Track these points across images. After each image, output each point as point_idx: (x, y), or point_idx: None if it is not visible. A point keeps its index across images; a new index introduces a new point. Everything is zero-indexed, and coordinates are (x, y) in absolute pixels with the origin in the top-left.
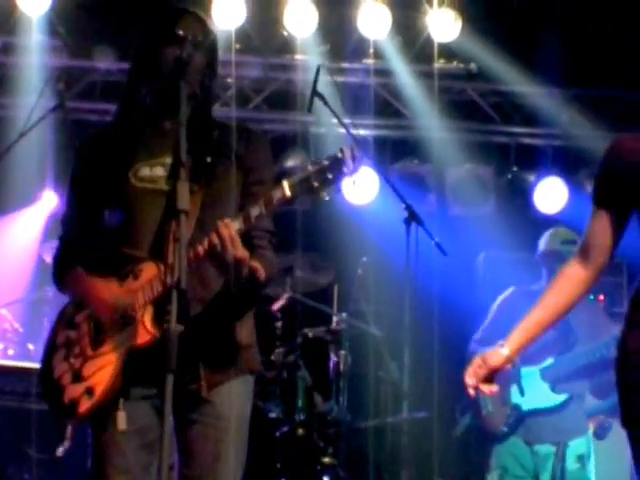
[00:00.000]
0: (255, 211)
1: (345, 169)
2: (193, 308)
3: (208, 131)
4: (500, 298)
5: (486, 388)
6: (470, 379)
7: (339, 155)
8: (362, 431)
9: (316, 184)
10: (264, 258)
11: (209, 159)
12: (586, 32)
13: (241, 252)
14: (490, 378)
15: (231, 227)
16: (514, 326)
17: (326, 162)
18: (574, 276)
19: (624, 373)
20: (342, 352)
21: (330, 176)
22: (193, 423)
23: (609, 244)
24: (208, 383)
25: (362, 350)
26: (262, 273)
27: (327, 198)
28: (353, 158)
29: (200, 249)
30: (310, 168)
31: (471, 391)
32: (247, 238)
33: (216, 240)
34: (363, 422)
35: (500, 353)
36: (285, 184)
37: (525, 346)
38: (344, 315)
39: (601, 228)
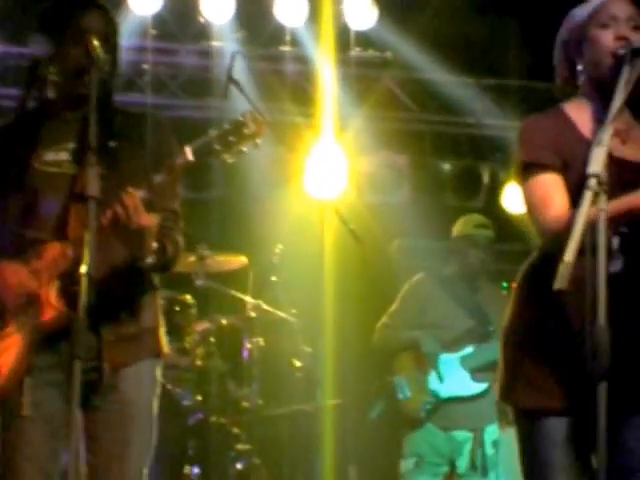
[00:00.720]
0: (158, 178)
1: (246, 131)
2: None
3: (110, 117)
4: (408, 284)
5: None
6: None
7: (240, 118)
8: (276, 418)
9: (218, 147)
10: (170, 238)
11: (112, 144)
12: (504, 21)
13: (146, 219)
14: None
15: (135, 196)
16: (426, 310)
17: (227, 126)
18: None
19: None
20: (256, 339)
21: (232, 139)
22: (98, 410)
23: None
24: (111, 364)
25: (277, 337)
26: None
27: (230, 161)
28: (254, 121)
29: (104, 220)
30: (212, 132)
31: None
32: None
33: (120, 209)
34: (277, 409)
35: None
36: (187, 149)
37: None
38: (259, 302)
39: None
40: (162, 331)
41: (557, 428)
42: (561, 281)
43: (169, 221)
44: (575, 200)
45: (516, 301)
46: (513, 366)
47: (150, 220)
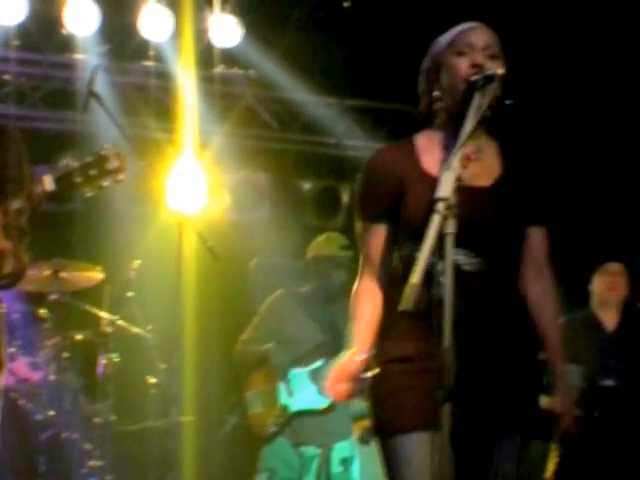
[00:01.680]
0: (16, 204)
1: (109, 166)
2: None
3: None
4: (268, 300)
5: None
6: (339, 390)
7: (102, 153)
8: (130, 435)
9: (79, 179)
10: (18, 258)
11: None
12: (364, 44)
13: (2, 243)
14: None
15: None
16: (284, 326)
17: (89, 159)
18: (374, 293)
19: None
20: (111, 355)
21: (93, 172)
22: None
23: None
24: None
25: (132, 353)
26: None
27: (90, 194)
28: (117, 156)
29: None
30: (74, 164)
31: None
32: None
33: None
34: (131, 425)
35: (356, 359)
36: (46, 179)
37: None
38: (114, 318)
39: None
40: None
41: (413, 447)
42: (407, 302)
43: (16, 239)
44: (414, 225)
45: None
46: (379, 392)
47: (5, 245)
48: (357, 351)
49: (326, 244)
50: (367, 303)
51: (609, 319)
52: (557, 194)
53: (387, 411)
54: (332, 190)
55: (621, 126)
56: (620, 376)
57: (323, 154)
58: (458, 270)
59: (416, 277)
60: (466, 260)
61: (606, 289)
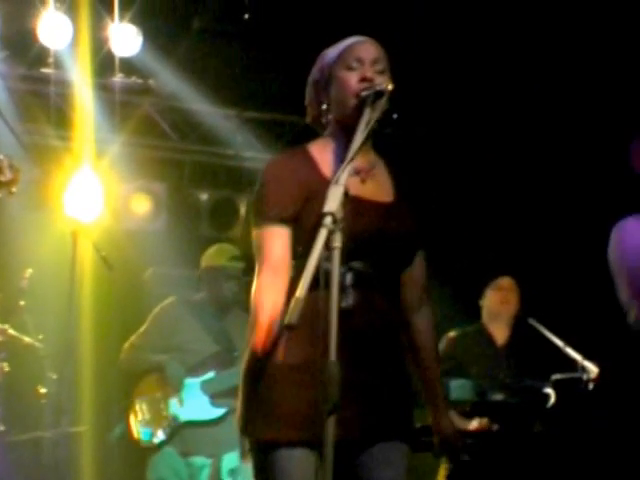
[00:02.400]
0: None
1: (1, 178)
2: None
3: None
4: (159, 307)
5: None
6: None
7: None
8: (20, 444)
9: None
10: None
11: None
12: (264, 57)
13: None
14: None
15: None
16: (175, 334)
17: None
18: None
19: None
20: (1, 364)
21: None
22: None
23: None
24: None
25: (23, 363)
26: None
27: None
28: (10, 168)
29: None
30: None
31: None
32: None
33: None
34: (21, 435)
35: None
36: None
37: None
38: (5, 327)
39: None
40: None
41: (293, 460)
42: (291, 316)
43: None
44: (311, 235)
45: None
46: (253, 397)
47: None
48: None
49: (217, 255)
50: (270, 293)
51: (500, 333)
52: (433, 219)
53: (270, 421)
54: (229, 201)
55: (510, 141)
56: (510, 391)
57: (221, 165)
58: (359, 279)
59: (300, 291)
60: (359, 272)
61: (498, 303)
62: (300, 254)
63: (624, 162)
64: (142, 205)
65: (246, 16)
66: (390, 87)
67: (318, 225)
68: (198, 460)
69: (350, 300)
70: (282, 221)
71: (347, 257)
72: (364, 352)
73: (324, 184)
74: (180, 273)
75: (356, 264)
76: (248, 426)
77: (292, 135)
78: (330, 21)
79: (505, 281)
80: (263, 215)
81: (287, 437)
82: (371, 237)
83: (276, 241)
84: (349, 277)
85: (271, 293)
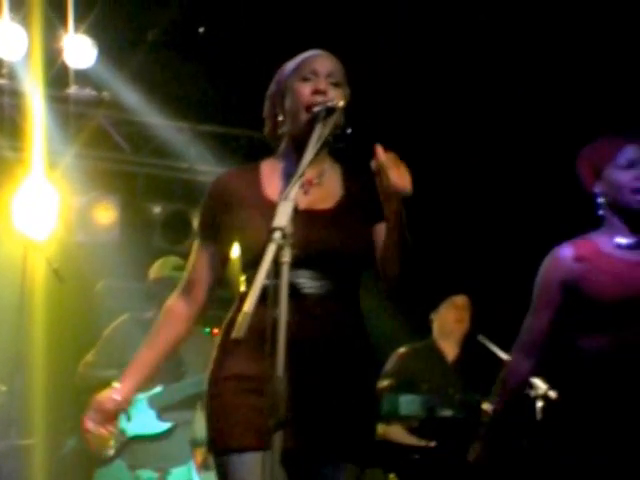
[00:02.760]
0: None
1: None
2: None
3: None
4: (113, 325)
5: (104, 430)
6: (90, 425)
7: None
8: None
9: None
10: None
11: None
12: (219, 70)
13: None
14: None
15: None
16: (127, 352)
17: None
18: (177, 313)
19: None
20: None
21: None
22: None
23: (211, 279)
24: None
25: None
26: None
27: None
28: None
29: None
30: None
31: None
32: None
33: None
34: None
35: (113, 399)
36: None
37: (138, 388)
38: None
39: (203, 263)
40: None
41: (244, 466)
42: (238, 330)
43: None
44: (254, 251)
45: (217, 347)
46: (215, 409)
47: None
48: (118, 389)
49: (161, 266)
50: (163, 326)
51: (450, 350)
52: None
53: (221, 428)
54: (182, 214)
55: (464, 158)
56: (459, 407)
57: (174, 178)
58: (298, 294)
59: (248, 305)
60: (310, 283)
61: (453, 321)
62: (245, 267)
63: (576, 180)
64: (95, 217)
65: (201, 29)
66: (341, 103)
67: (256, 241)
68: (145, 473)
69: (299, 313)
70: (207, 238)
71: (295, 268)
72: (314, 366)
73: (262, 202)
74: (132, 286)
75: (309, 272)
76: (209, 435)
77: (246, 149)
78: (283, 36)
79: (460, 300)
80: (197, 229)
81: (237, 443)
82: (315, 245)
83: (199, 256)
84: (299, 289)
85: (165, 329)
